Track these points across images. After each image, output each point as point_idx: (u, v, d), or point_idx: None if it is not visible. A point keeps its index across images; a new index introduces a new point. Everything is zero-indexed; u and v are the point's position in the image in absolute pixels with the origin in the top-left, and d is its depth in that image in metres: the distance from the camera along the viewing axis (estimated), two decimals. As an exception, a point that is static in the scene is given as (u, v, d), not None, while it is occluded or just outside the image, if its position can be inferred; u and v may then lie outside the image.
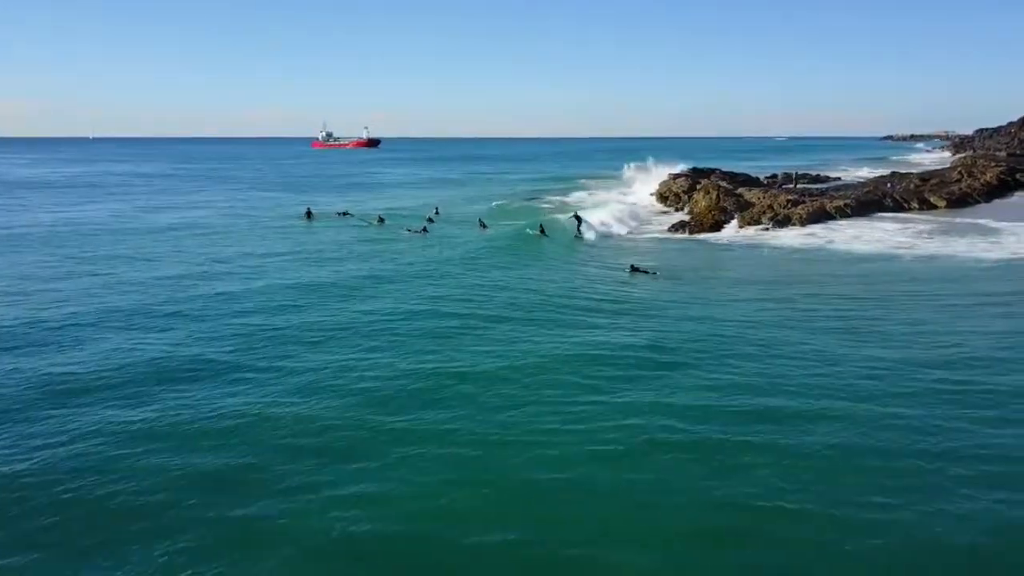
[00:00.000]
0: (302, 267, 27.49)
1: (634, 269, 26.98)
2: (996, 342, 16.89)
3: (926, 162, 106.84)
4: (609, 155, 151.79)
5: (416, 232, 38.18)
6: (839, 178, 73.50)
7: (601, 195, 60.13)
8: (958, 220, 42.83)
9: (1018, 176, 62.54)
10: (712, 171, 63.93)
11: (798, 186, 56.80)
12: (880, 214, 45.49)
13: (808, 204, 45.01)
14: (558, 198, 58.83)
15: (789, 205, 44.94)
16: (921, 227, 38.68)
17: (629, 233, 40.15)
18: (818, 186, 61.15)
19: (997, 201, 52.52)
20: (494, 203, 54.10)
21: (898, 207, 47.96)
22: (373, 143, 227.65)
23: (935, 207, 48.19)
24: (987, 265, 27.19)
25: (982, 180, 56.93)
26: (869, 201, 47.54)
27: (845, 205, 44.82)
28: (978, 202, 50.46)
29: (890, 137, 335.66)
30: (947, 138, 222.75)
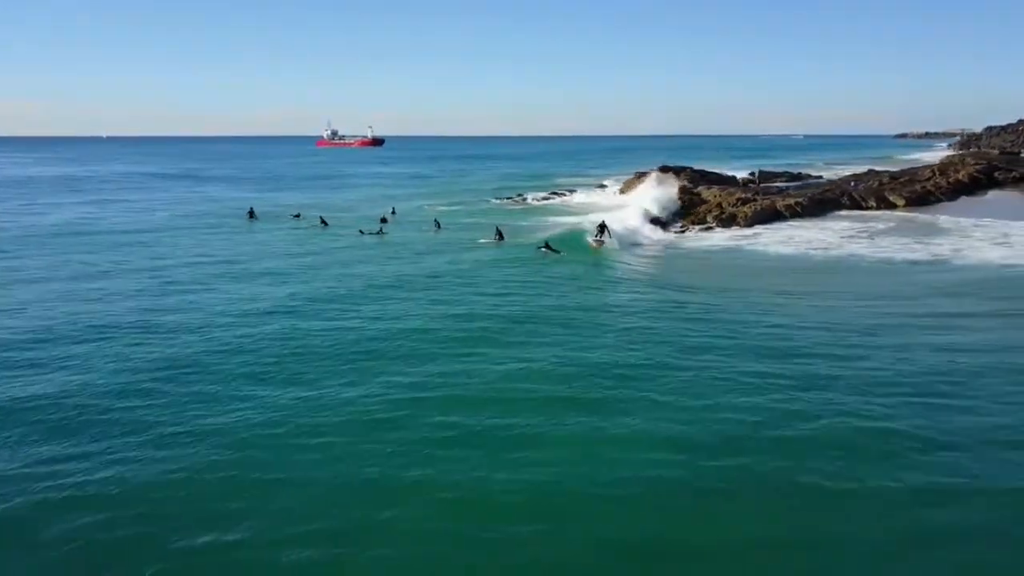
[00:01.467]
0: (211, 280, 24.85)
1: (547, 247, 29.72)
2: (820, 344, 16.20)
3: (929, 160, 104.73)
4: (612, 154, 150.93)
5: (368, 234, 37.49)
6: (820, 176, 72.16)
7: (567, 197, 59.60)
8: (913, 218, 41.91)
9: (997, 175, 61.25)
10: (683, 168, 62.97)
11: (761, 184, 55.60)
12: (836, 213, 44.50)
13: (758, 203, 44.12)
14: (523, 197, 58.29)
15: (738, 204, 44.08)
16: (864, 227, 37.75)
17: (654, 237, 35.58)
18: (786, 184, 59.96)
19: (965, 199, 51.29)
20: (448, 205, 53.76)
21: (856, 206, 46.89)
22: (377, 142, 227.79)
23: (895, 206, 47.07)
24: (892, 266, 26.30)
25: (953, 179, 55.64)
26: (825, 200, 46.53)
27: (796, 204, 43.88)
28: (940, 200, 49.26)
29: (904, 135, 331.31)
30: (962, 136, 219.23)
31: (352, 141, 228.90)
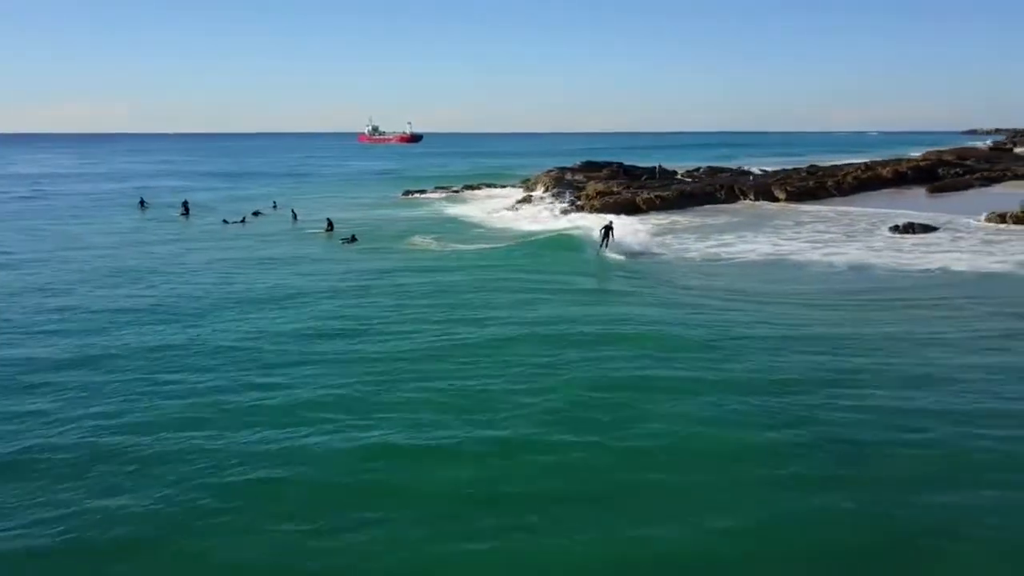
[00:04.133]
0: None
1: (353, 239, 32.13)
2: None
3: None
4: (620, 152, 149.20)
5: (232, 223, 39.42)
6: (765, 171, 70.07)
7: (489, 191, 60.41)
8: (774, 211, 41.48)
9: (940, 171, 58.70)
10: (608, 164, 62.79)
11: (658, 178, 55.01)
12: (700, 207, 43.91)
13: (620, 196, 44.19)
14: (438, 194, 59.35)
15: (598, 196, 44.26)
16: (699, 221, 37.68)
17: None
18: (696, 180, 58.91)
19: (869, 194, 49.77)
20: (370, 198, 55.32)
21: (733, 199, 46.29)
22: (415, 138, 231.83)
23: (777, 200, 46.20)
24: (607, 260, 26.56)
25: (868, 175, 53.98)
26: (695, 194, 45.97)
27: (656, 197, 43.66)
28: (832, 196, 47.96)
29: (973, 131, 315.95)
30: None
31: (391, 137, 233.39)
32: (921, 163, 60.27)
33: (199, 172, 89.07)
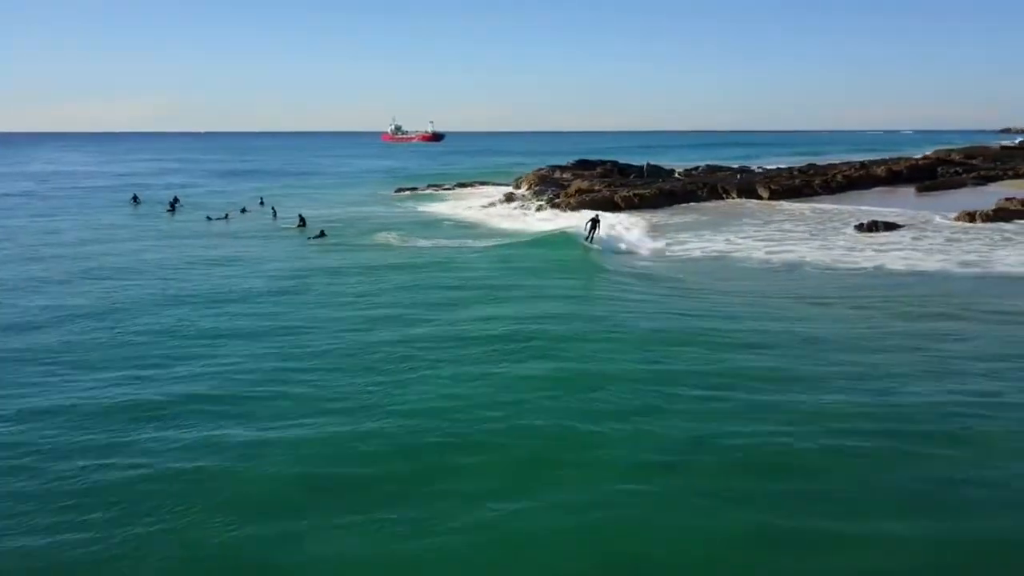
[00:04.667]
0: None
1: (322, 234, 32.79)
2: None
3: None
4: (631, 151, 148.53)
5: (215, 219, 40.34)
6: (765, 169, 69.30)
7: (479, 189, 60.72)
8: (753, 210, 41.30)
9: (939, 169, 57.76)
10: (602, 163, 62.76)
11: (645, 176, 54.85)
12: (680, 205, 43.81)
13: (599, 193, 44.29)
14: (427, 191, 59.83)
15: (577, 194, 44.42)
16: (663, 220, 37.64)
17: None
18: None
19: (859, 193, 49.20)
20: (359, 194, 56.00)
21: (715, 197, 46.13)
22: (437, 137, 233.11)
23: (761, 198, 45.94)
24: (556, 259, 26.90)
25: (858, 174, 53.28)
26: (679, 192, 45.84)
27: (635, 195, 43.62)
28: (818, 194, 47.50)
29: (1008, 130, 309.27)
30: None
31: (413, 136, 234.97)
32: (920, 162, 59.30)
33: (206, 170, 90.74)
